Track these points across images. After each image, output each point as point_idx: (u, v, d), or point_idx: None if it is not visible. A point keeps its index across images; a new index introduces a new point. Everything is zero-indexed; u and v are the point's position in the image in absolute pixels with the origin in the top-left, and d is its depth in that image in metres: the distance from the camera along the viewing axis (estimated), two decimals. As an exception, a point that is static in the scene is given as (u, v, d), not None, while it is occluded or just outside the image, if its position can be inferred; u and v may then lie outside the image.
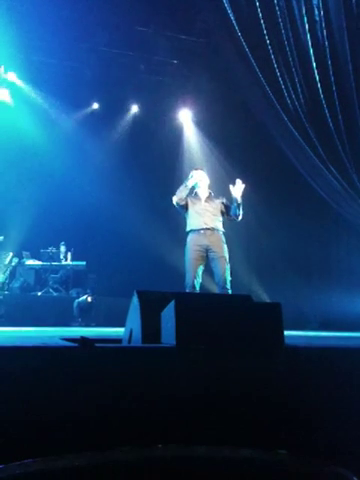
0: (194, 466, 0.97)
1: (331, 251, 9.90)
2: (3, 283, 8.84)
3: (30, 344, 2.76)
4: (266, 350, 2.69)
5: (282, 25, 6.96)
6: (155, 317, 3.01)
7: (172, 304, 2.82)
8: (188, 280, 5.05)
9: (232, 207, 5.30)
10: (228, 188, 5.30)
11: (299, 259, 9.85)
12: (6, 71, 9.55)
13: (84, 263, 9.53)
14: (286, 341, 2.91)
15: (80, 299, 8.58)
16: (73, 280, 9.52)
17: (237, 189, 5.21)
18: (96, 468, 0.93)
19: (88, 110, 10.54)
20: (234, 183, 5.26)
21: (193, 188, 5.40)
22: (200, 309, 2.92)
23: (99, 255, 9.92)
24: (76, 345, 2.60)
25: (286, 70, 7.22)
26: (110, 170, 10.08)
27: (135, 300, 3.22)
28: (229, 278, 5.11)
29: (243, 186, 5.23)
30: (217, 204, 5.36)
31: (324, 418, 2.41)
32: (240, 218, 5.35)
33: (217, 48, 8.74)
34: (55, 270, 9.46)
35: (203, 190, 5.42)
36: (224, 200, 5.44)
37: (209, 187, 5.51)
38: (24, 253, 9.48)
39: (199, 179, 5.41)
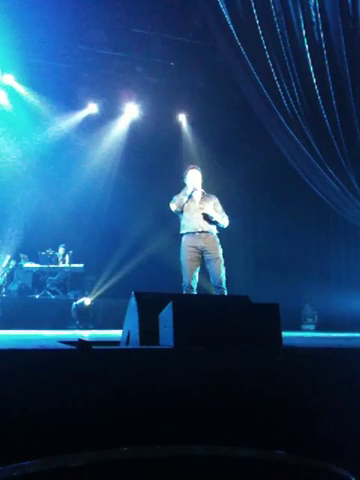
0: (192, 466, 0.97)
1: (329, 252, 9.92)
2: (1, 286, 8.84)
3: (28, 347, 2.75)
4: (264, 351, 2.69)
5: (279, 27, 6.96)
6: (153, 318, 3.01)
7: (170, 305, 2.82)
8: (185, 281, 5.13)
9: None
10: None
11: (297, 260, 9.86)
12: (3, 73, 9.55)
13: (82, 265, 9.52)
14: (284, 342, 2.91)
15: (78, 301, 8.57)
16: (71, 282, 9.51)
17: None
18: (94, 469, 0.93)
19: (85, 112, 10.54)
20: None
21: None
22: (198, 310, 2.91)
23: (97, 257, 9.92)
24: (74, 348, 2.59)
25: (283, 72, 7.23)
26: (108, 172, 10.09)
27: (133, 301, 3.22)
28: (225, 278, 5.18)
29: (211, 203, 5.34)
30: (211, 205, 5.40)
31: (322, 418, 2.41)
32: (226, 225, 5.42)
33: (214, 50, 8.76)
34: (53, 273, 9.45)
35: (198, 192, 5.45)
36: (216, 200, 5.50)
37: (202, 186, 5.53)
38: (22, 256, 9.47)
39: (195, 182, 5.42)
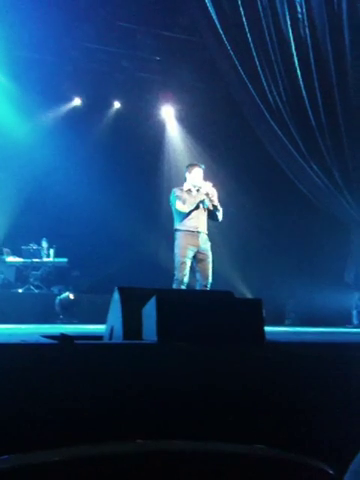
0: (173, 461, 0.97)
1: (314, 247, 9.98)
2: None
3: (9, 341, 2.73)
4: (247, 346, 2.70)
5: (265, 22, 6.98)
6: (136, 313, 2.99)
7: (153, 300, 2.81)
8: (178, 276, 5.23)
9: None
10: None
11: (282, 255, 9.91)
12: (-14, 66, 9.41)
13: (66, 260, 9.45)
14: (267, 337, 2.92)
15: (62, 296, 8.51)
16: (55, 277, 9.44)
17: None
18: (73, 464, 0.92)
19: (70, 105, 10.44)
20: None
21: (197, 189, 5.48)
22: (181, 305, 2.91)
23: (81, 252, 9.86)
24: (56, 342, 2.57)
25: (268, 67, 7.25)
26: (92, 166, 10.02)
27: (116, 296, 3.20)
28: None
29: (214, 190, 5.40)
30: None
31: (304, 412, 2.42)
32: (220, 219, 5.55)
33: (201, 45, 8.74)
34: (36, 267, 9.36)
35: (202, 191, 5.49)
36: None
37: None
38: (4, 250, 9.36)
39: (200, 181, 5.47)
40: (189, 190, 5.44)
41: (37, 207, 9.67)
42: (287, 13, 6.88)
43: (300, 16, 6.88)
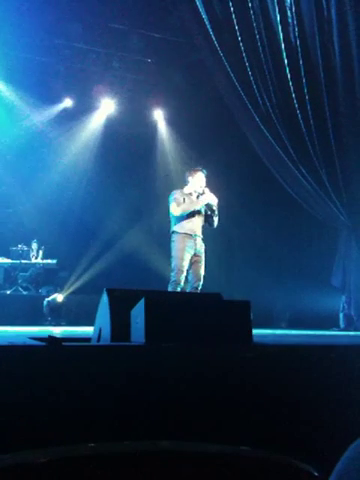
0: (160, 461, 0.98)
1: (302, 250, 10.02)
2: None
3: (-3, 342, 2.71)
4: (234, 347, 2.71)
5: (255, 25, 7.01)
6: (125, 315, 3.00)
7: (142, 302, 2.81)
8: (176, 277, 5.28)
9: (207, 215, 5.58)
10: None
11: (270, 258, 9.95)
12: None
13: (55, 261, 9.41)
14: (255, 339, 2.94)
15: (50, 298, 8.47)
16: (43, 278, 9.39)
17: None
18: (59, 465, 0.92)
19: (61, 106, 10.40)
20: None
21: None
22: (169, 307, 2.92)
23: (70, 253, 9.82)
24: (43, 344, 2.57)
25: (259, 70, 7.28)
26: (82, 167, 9.99)
27: (105, 298, 3.20)
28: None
29: (215, 198, 5.47)
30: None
31: (291, 414, 2.44)
32: (215, 225, 5.62)
33: (191, 47, 8.76)
34: (25, 268, 9.31)
35: (203, 196, 5.53)
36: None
37: (185, 184, 5.66)
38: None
39: (202, 186, 5.52)
40: (190, 194, 5.48)
41: (26, 208, 9.62)
42: (278, 18, 6.93)
43: (290, 21, 6.93)
